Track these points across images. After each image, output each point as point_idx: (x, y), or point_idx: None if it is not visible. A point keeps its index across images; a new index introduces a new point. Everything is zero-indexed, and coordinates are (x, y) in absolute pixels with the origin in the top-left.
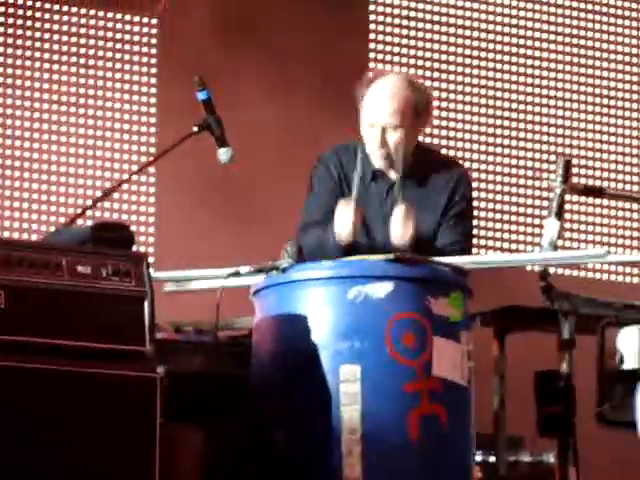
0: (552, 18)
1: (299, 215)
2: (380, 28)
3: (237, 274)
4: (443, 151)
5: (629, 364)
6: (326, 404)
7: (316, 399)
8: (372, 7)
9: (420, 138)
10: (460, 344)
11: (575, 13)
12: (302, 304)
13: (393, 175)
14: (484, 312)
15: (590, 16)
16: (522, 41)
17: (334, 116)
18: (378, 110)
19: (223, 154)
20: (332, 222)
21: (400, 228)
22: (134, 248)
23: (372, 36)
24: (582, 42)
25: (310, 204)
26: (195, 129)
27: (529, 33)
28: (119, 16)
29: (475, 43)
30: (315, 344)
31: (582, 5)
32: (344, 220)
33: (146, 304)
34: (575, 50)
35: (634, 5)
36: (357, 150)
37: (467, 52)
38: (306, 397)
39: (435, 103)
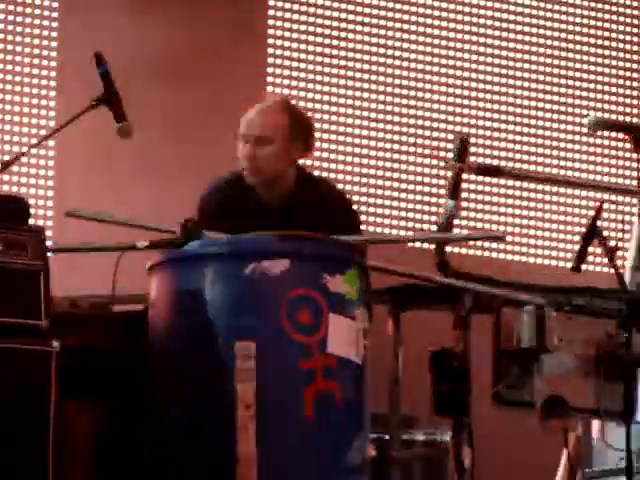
0: None
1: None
2: None
3: (133, 248)
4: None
5: (526, 343)
6: (221, 380)
7: (211, 375)
8: None
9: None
10: (355, 322)
11: None
12: (198, 280)
13: (272, 202)
14: (380, 290)
15: None
16: (421, 19)
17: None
18: (249, 123)
19: (121, 128)
20: None
21: None
22: (31, 222)
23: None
24: (481, 21)
25: None
26: (93, 103)
27: (428, 11)
28: None
29: (374, 20)
30: (211, 320)
31: None
32: None
33: (42, 278)
34: (474, 29)
35: None
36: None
37: (366, 29)
38: (201, 373)
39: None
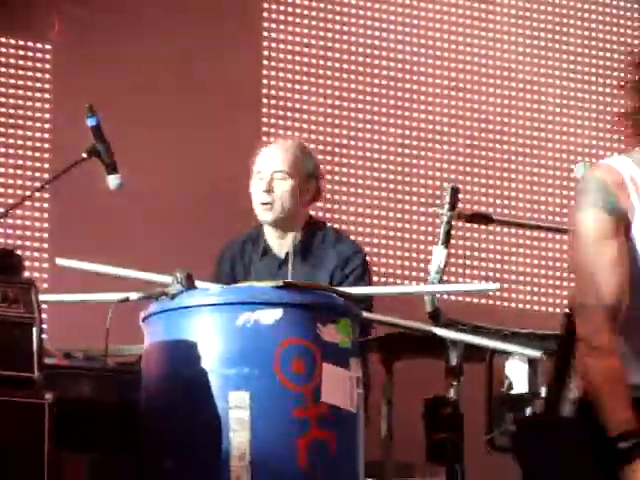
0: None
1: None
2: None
3: (126, 300)
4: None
5: (518, 389)
6: (215, 430)
7: (205, 425)
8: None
9: None
10: (349, 371)
11: (461, 39)
12: (191, 330)
13: (282, 250)
14: (372, 338)
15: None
16: (408, 66)
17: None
18: (267, 158)
19: (112, 180)
20: None
21: None
22: (26, 273)
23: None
24: (475, 69)
25: None
26: (84, 155)
27: (415, 58)
28: (13, 42)
29: (368, 69)
30: (204, 370)
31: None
32: None
33: (34, 330)
34: (469, 77)
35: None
36: (257, 235)
37: (360, 78)
38: (195, 423)
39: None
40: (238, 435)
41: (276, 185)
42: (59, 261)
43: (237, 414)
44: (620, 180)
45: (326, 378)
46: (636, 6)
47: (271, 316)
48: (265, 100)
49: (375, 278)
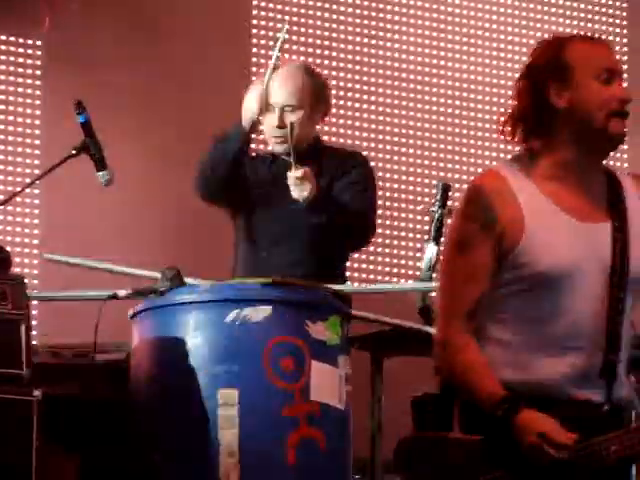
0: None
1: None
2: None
3: (115, 297)
4: None
5: None
6: (204, 428)
7: (194, 423)
8: None
9: None
10: (338, 368)
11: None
12: (180, 327)
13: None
14: (361, 335)
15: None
16: (397, 63)
17: None
18: (276, 92)
19: (101, 177)
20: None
21: (296, 191)
22: (17, 270)
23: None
24: (464, 66)
25: None
26: (74, 151)
27: (410, 57)
28: (3, 37)
29: (350, 65)
30: (193, 367)
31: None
32: (252, 98)
33: (23, 327)
34: (457, 75)
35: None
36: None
37: (341, 74)
38: (184, 421)
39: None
40: (227, 432)
41: (287, 117)
42: (46, 256)
43: (226, 411)
44: (504, 189)
45: (315, 376)
46: None
47: (260, 313)
48: None
49: (364, 275)
